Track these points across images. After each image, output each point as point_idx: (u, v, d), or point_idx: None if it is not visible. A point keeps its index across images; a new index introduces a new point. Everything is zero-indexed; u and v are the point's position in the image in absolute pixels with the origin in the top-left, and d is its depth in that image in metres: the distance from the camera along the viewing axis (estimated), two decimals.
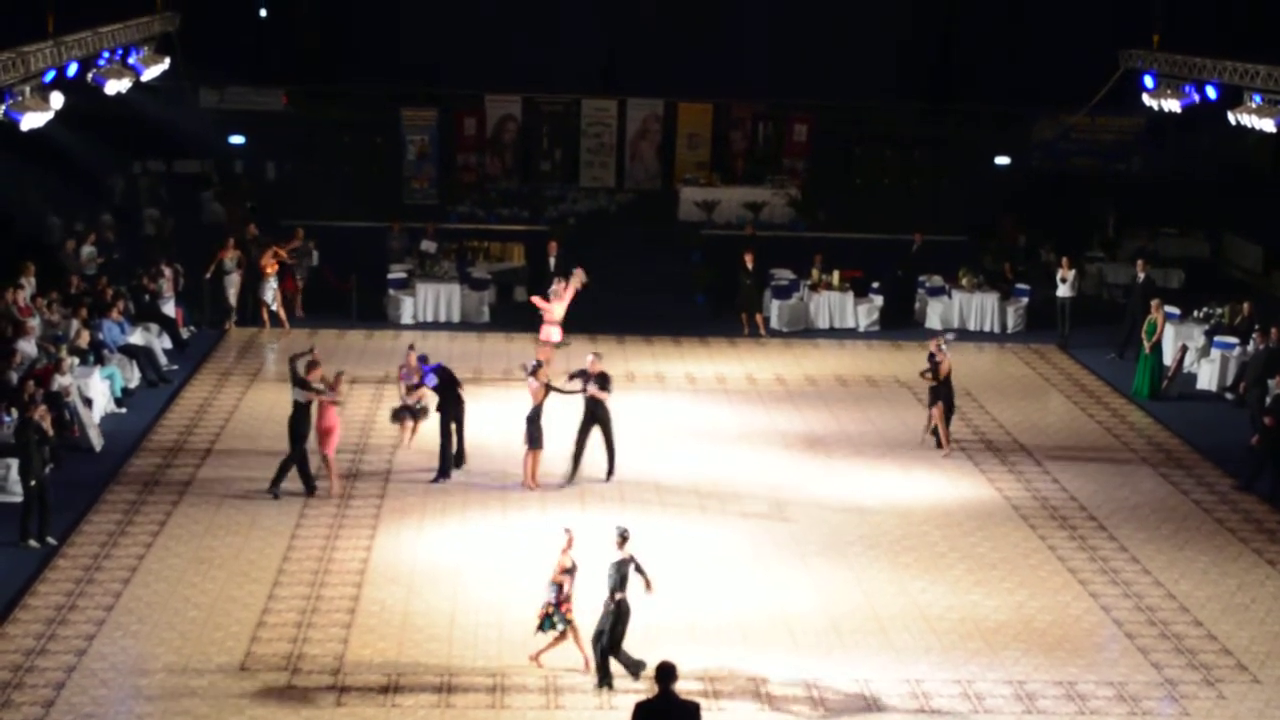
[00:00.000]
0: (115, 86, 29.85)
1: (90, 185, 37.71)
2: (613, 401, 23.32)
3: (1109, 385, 30.65)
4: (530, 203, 38.23)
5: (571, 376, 24.44)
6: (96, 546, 20.97)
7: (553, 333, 29.75)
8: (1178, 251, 39.50)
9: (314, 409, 23.02)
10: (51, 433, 21.72)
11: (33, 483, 20.93)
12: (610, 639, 17.33)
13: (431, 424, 24.66)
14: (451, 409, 24.18)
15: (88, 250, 32.77)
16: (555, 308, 29.73)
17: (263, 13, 42.59)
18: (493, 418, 26.71)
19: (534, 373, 23.61)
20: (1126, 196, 40.01)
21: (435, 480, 23.78)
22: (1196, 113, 33.12)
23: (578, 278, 30.16)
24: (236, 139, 39.30)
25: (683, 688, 14.06)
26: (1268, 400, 26.12)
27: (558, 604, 17.55)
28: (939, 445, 26.17)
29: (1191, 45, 32.65)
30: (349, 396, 28.17)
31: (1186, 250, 39.81)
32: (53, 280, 30.36)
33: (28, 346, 25.91)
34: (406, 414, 25.29)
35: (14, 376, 24.28)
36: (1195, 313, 32.31)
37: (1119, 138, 40.67)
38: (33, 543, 20.81)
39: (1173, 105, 33.04)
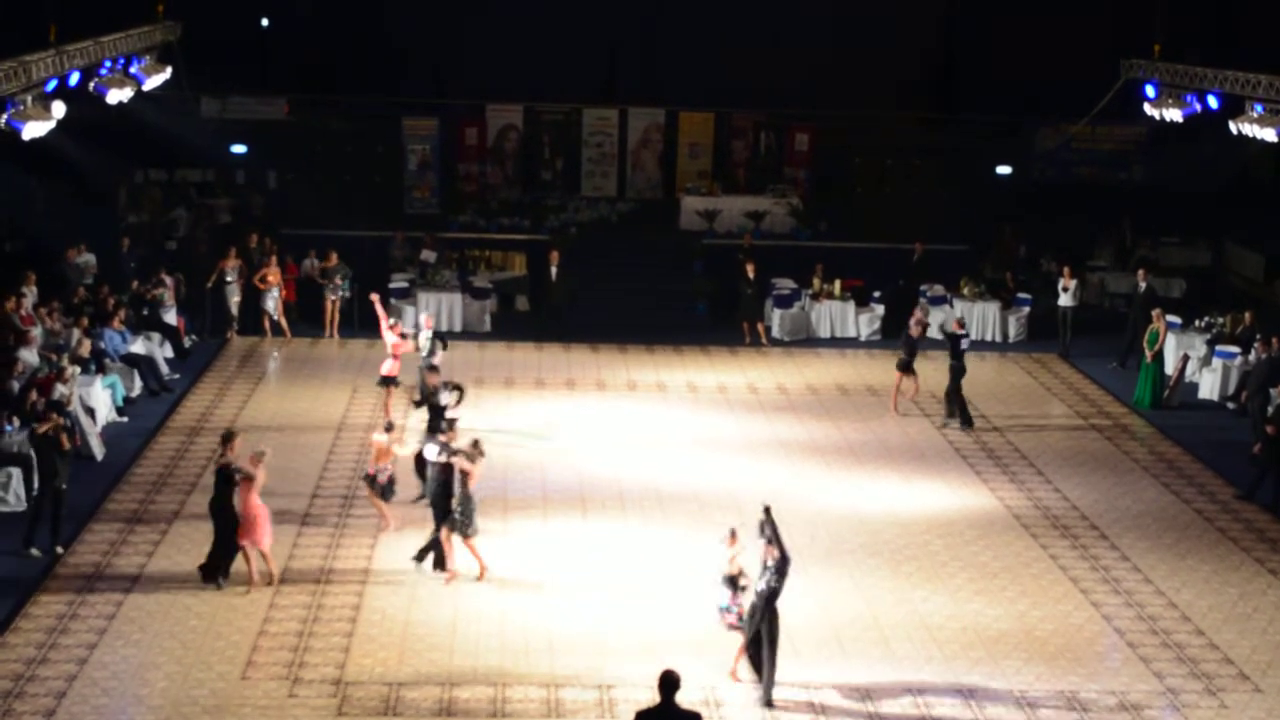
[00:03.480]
0: (117, 96, 29.87)
1: (93, 194, 37.78)
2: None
3: (1111, 394, 30.64)
4: (531, 212, 38.24)
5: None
6: (98, 555, 20.96)
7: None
8: (1179, 261, 39.49)
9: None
10: (68, 446, 21.67)
11: (64, 486, 21.03)
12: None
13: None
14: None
15: (85, 258, 32.79)
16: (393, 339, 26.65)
17: (264, 22, 42.63)
18: (493, 427, 26.77)
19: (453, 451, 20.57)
20: (1128, 206, 40.03)
21: None
22: (1198, 122, 33.11)
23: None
24: (238, 148, 39.31)
25: (684, 697, 14.03)
26: (1269, 409, 26.13)
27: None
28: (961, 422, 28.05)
29: (1193, 55, 32.67)
30: (354, 401, 28.23)
31: (1188, 260, 39.80)
32: (54, 289, 30.42)
33: (29, 355, 25.90)
34: (385, 490, 21.98)
35: (15, 385, 24.30)
36: (1197, 322, 32.31)
37: (1120, 147, 40.68)
38: (35, 551, 20.82)
39: (1174, 115, 33.01)
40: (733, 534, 17.86)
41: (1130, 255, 38.82)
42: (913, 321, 28.85)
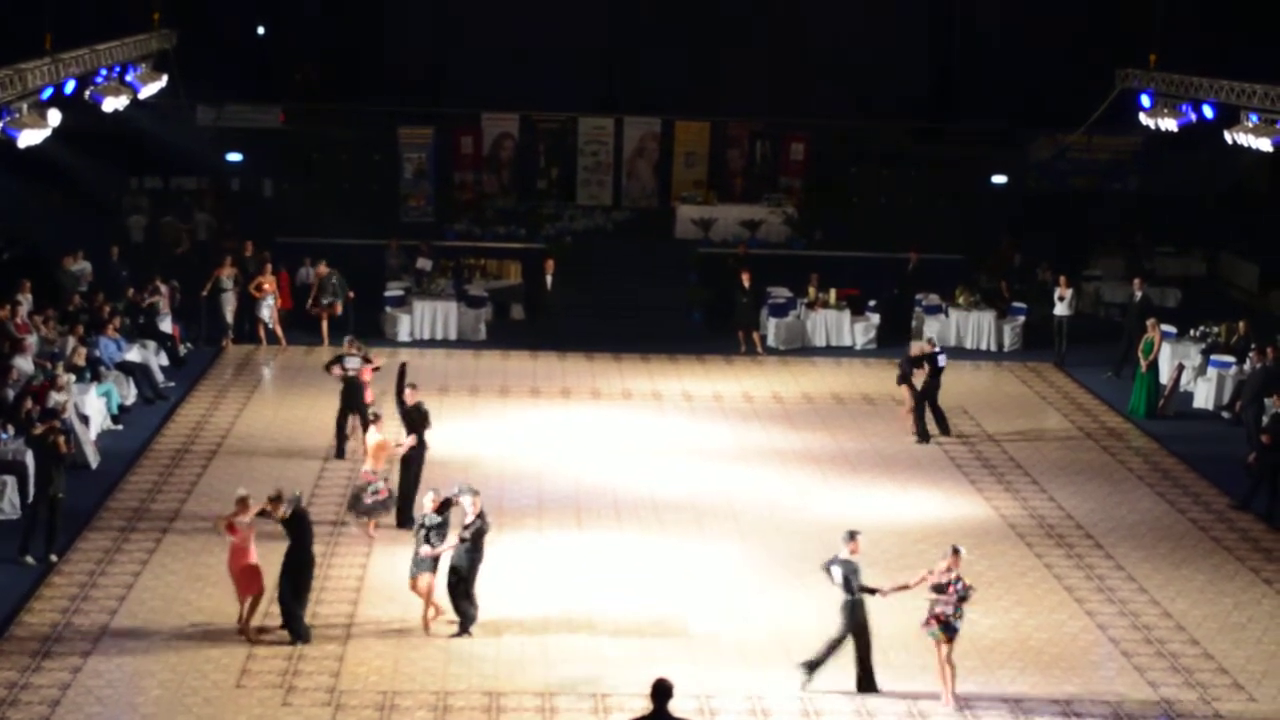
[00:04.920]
0: (113, 104, 29.90)
1: (88, 201, 37.79)
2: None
3: (1106, 404, 30.64)
4: (527, 220, 38.23)
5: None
6: (92, 563, 20.95)
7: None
8: (1174, 270, 39.53)
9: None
10: (65, 449, 21.65)
11: (60, 495, 21.05)
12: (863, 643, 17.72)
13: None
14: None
15: (80, 266, 32.77)
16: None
17: (260, 30, 42.64)
18: (489, 435, 26.79)
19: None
20: (1123, 215, 40.09)
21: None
22: (1193, 132, 33.17)
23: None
24: (234, 156, 39.31)
25: (678, 705, 14.03)
26: (1264, 419, 26.15)
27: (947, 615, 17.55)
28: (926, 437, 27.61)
29: (1188, 65, 32.73)
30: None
31: (1183, 269, 39.85)
32: (49, 297, 30.41)
33: (24, 363, 25.90)
34: (370, 509, 22.08)
35: (10, 393, 24.29)
36: (1192, 331, 32.31)
37: (1116, 157, 40.66)
38: (29, 559, 20.80)
39: (1169, 124, 33.07)
40: (955, 552, 17.80)
41: (1139, 264, 38.79)
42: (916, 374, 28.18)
